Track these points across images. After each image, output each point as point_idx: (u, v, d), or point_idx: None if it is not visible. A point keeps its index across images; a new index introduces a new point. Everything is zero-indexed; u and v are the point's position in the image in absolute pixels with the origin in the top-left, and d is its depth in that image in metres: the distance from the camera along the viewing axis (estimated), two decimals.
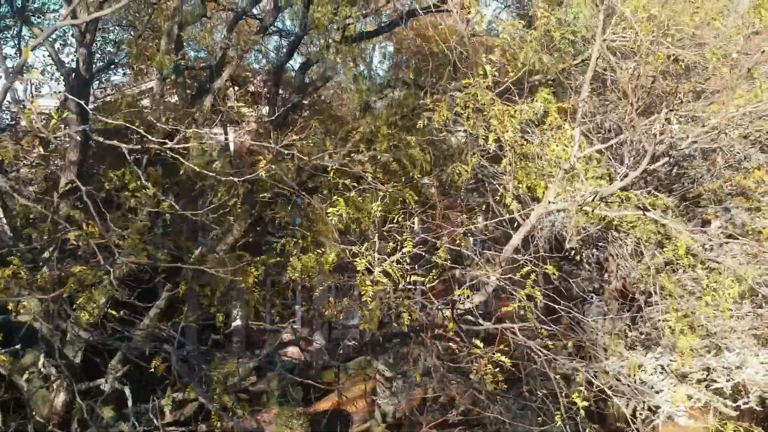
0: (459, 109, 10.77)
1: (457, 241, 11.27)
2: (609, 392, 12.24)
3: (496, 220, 11.62)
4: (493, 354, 10.11)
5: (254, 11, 17.69)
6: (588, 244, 17.22)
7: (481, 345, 10.23)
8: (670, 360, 16.28)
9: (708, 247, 18.20)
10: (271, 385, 16.08)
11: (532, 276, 10.22)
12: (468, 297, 10.87)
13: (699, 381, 16.60)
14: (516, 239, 11.01)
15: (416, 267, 10.75)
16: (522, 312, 10.75)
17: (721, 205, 18.78)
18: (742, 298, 17.10)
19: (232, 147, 29.07)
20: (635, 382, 16.84)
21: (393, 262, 10.01)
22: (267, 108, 24.27)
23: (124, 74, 22.87)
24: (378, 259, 9.98)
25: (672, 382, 16.30)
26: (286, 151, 9.19)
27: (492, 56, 10.38)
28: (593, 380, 15.69)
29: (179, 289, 10.59)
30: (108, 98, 22.07)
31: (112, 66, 19.69)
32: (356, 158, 13.28)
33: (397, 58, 21.57)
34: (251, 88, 25.27)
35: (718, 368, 16.24)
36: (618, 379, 17.23)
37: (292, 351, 24.52)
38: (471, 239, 11.92)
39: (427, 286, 10.39)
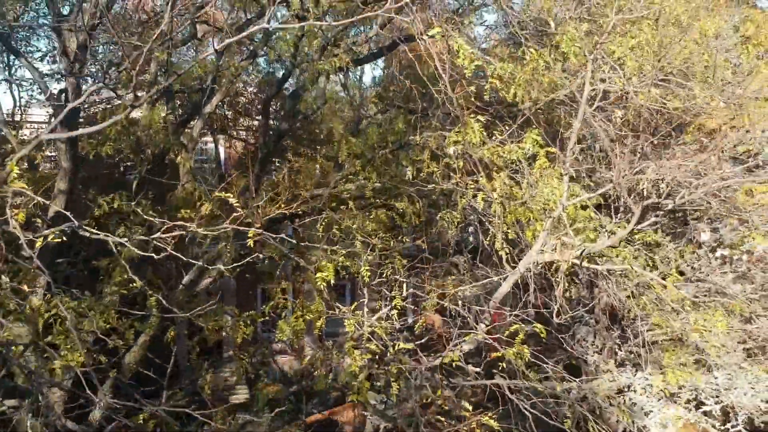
0: (449, 160, 10.80)
1: (445, 301, 11.27)
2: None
3: (485, 281, 11.60)
4: (482, 415, 10.12)
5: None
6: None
7: (470, 408, 10.25)
8: (662, 380, 16.39)
9: (698, 266, 18.35)
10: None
11: (521, 335, 10.23)
12: (456, 345, 10.89)
13: (688, 401, 16.73)
14: (505, 287, 11.03)
15: (405, 323, 10.73)
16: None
17: (711, 222, 18.88)
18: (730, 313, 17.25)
19: (222, 156, 29.09)
20: (624, 402, 16.97)
21: (382, 318, 10.00)
22: (258, 118, 24.35)
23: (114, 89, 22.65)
24: (366, 319, 9.97)
25: (661, 403, 16.41)
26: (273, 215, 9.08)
27: (480, 116, 10.36)
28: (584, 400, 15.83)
29: (168, 335, 10.58)
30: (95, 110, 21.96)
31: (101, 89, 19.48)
32: (345, 187, 13.28)
33: (387, 72, 21.53)
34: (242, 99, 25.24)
35: (707, 389, 16.34)
36: (609, 397, 17.37)
37: (285, 360, 24.59)
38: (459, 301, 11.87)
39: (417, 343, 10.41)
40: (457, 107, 10.10)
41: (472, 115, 10.49)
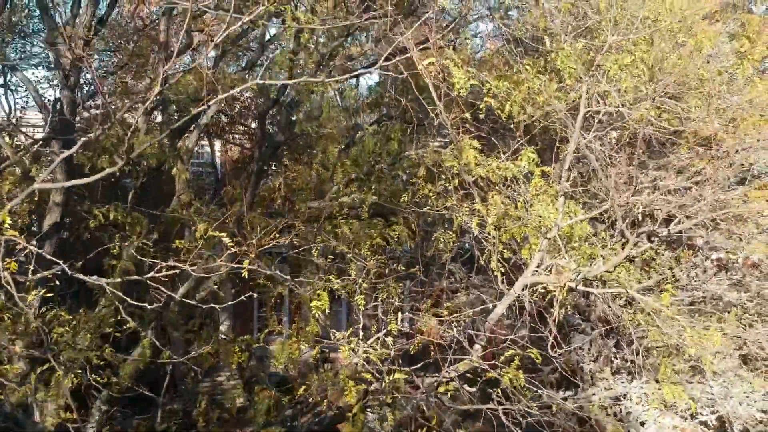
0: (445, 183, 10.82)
1: (443, 327, 11.27)
2: None
3: (481, 307, 11.60)
4: None
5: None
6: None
7: None
8: (656, 389, 16.40)
9: (693, 275, 18.36)
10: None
11: (516, 360, 10.20)
12: (452, 366, 10.86)
13: (684, 410, 16.73)
14: (500, 309, 11.03)
15: (401, 343, 10.70)
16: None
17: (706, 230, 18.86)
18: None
19: (218, 160, 29.00)
20: (621, 411, 17.00)
21: (377, 344, 9.97)
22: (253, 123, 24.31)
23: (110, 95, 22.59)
24: (361, 344, 9.95)
25: (657, 412, 16.42)
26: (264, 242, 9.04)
27: (476, 139, 10.36)
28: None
29: (163, 355, 10.55)
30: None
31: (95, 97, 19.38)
32: (341, 200, 13.28)
33: (384, 78, 21.45)
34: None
35: (703, 398, 16.35)
36: (605, 407, 17.40)
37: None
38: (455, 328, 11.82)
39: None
40: (453, 131, 10.11)
41: (466, 133, 10.49)
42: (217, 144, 27.84)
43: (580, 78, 10.27)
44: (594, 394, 17.29)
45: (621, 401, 17.44)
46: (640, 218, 9.90)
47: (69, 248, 16.59)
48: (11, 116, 20.46)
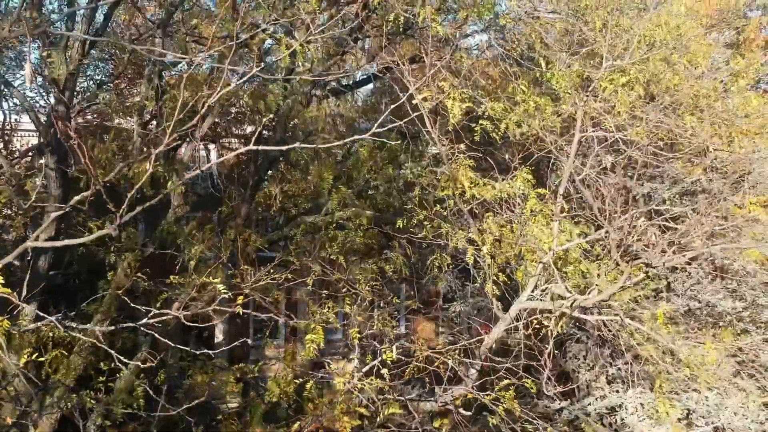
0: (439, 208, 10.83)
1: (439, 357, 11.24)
2: None
3: (475, 339, 11.59)
4: None
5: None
6: None
7: None
8: (652, 399, 16.41)
9: (688, 285, 18.40)
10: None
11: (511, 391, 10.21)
12: (447, 392, 10.87)
13: (679, 419, 16.76)
14: (495, 334, 11.03)
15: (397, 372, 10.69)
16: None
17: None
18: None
19: (215, 167, 28.92)
20: (616, 422, 17.04)
21: (371, 375, 9.97)
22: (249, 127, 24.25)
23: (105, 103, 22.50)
24: (357, 375, 9.95)
25: (652, 422, 16.45)
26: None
27: (469, 175, 10.35)
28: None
29: (158, 379, 10.56)
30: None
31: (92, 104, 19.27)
32: (338, 215, 13.28)
33: (381, 86, 21.42)
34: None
35: (698, 409, 16.38)
36: (600, 416, 17.43)
37: (278, 368, 24.55)
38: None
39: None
40: (446, 153, 10.11)
41: (461, 151, 10.49)
42: (213, 150, 27.73)
43: (575, 103, 10.27)
44: (589, 404, 17.33)
45: (616, 411, 17.46)
46: (634, 247, 9.91)
47: (65, 254, 16.55)
48: (5, 123, 20.43)
